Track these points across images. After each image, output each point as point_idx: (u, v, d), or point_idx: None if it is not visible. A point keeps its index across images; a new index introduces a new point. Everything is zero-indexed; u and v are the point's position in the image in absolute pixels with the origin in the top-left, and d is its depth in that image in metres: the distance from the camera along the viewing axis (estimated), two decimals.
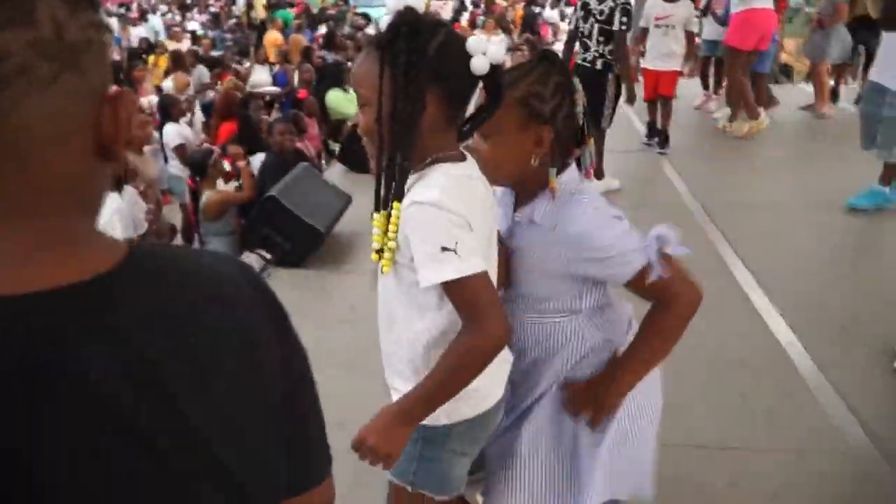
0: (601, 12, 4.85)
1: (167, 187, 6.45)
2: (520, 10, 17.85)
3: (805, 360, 3.18)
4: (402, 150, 1.29)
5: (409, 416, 1.36)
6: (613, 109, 5.16)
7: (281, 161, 5.00)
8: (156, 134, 6.66)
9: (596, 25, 4.88)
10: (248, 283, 0.70)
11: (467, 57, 1.30)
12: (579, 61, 5.03)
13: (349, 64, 7.89)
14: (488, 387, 1.46)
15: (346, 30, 14.08)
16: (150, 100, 8.37)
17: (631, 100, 5.33)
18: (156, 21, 17.35)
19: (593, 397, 1.60)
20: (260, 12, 18.06)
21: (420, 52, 1.25)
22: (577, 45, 5.12)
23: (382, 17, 1.31)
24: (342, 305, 3.69)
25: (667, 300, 1.52)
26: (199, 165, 5.21)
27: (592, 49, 4.94)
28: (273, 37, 13.90)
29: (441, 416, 1.42)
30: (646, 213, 5.00)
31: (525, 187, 1.54)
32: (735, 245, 4.36)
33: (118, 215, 3.96)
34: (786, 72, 10.50)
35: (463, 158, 1.38)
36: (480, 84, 1.35)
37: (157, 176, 5.54)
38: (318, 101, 7.30)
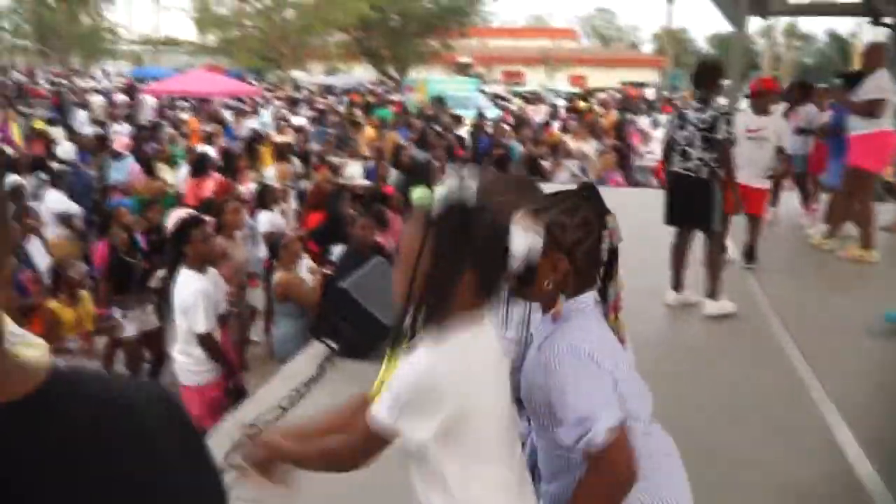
0: (702, 121, 4.85)
1: (256, 271, 6.77)
2: (612, 116, 18.15)
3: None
4: (430, 313, 1.41)
5: None
6: (725, 216, 5.10)
7: (360, 254, 5.19)
8: (250, 220, 7.07)
9: (698, 134, 4.86)
10: (162, 419, 0.72)
11: (507, 243, 1.44)
12: (679, 169, 4.99)
13: (436, 163, 8.18)
14: None
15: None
16: (248, 187, 8.90)
17: (737, 210, 5.24)
18: (266, 115, 18.64)
19: None
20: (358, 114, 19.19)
21: (465, 235, 1.40)
22: (675, 155, 5.04)
23: (438, 194, 1.45)
24: None
25: (598, 466, 1.48)
26: (274, 247, 5.49)
27: (695, 156, 4.89)
28: (368, 133, 14.68)
29: None
30: (724, 327, 4.88)
31: (542, 307, 1.64)
32: (815, 367, 4.17)
33: (203, 295, 4.13)
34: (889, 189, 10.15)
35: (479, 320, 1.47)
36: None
37: (244, 259, 5.83)
38: (403, 197, 7.58)
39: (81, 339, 4.72)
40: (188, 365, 4.13)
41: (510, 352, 1.82)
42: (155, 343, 5.41)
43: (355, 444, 1.48)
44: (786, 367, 4.24)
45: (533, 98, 25.11)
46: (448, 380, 1.35)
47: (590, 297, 1.59)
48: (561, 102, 25.64)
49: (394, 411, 1.37)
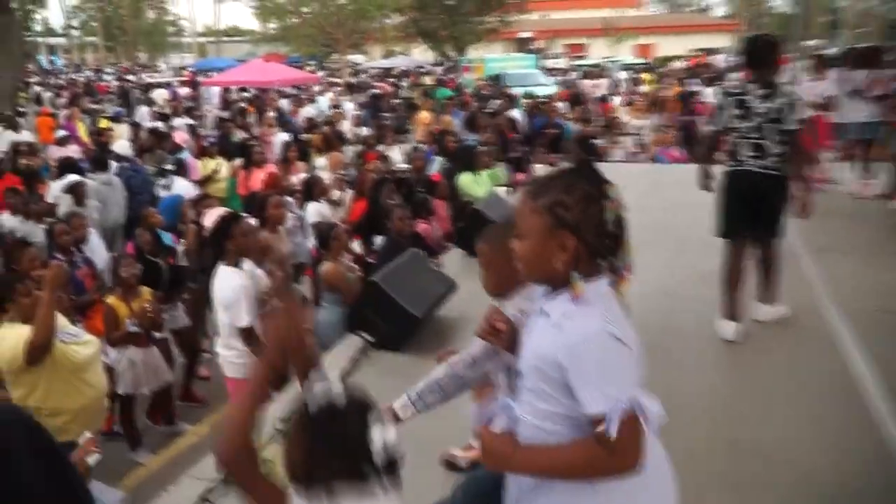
0: (772, 111, 4.27)
1: (305, 261, 6.92)
2: (676, 88, 17.64)
3: None
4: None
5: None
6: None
7: (398, 245, 5.26)
8: (298, 211, 7.24)
9: (769, 126, 4.28)
10: (20, 441, 0.77)
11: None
12: (752, 168, 4.34)
13: (481, 148, 8.16)
14: None
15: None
16: (299, 177, 9.07)
17: (808, 213, 4.44)
18: (323, 102, 18.87)
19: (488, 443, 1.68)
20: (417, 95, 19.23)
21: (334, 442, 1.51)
22: (742, 149, 4.38)
23: None
24: None
25: (606, 448, 1.51)
26: (323, 238, 5.61)
27: (773, 151, 4.29)
28: (422, 116, 14.69)
29: None
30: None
31: (553, 286, 1.65)
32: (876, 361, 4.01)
33: (244, 291, 4.25)
34: None
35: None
36: None
37: (289, 252, 5.98)
38: (449, 184, 7.60)
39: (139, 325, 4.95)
40: (232, 357, 4.28)
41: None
42: (186, 341, 5.61)
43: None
44: (837, 358, 4.10)
45: (593, 72, 24.59)
46: None
47: (605, 280, 1.60)
48: (623, 75, 25.13)
49: None
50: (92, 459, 2.93)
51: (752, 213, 4.37)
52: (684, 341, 4.54)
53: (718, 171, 4.60)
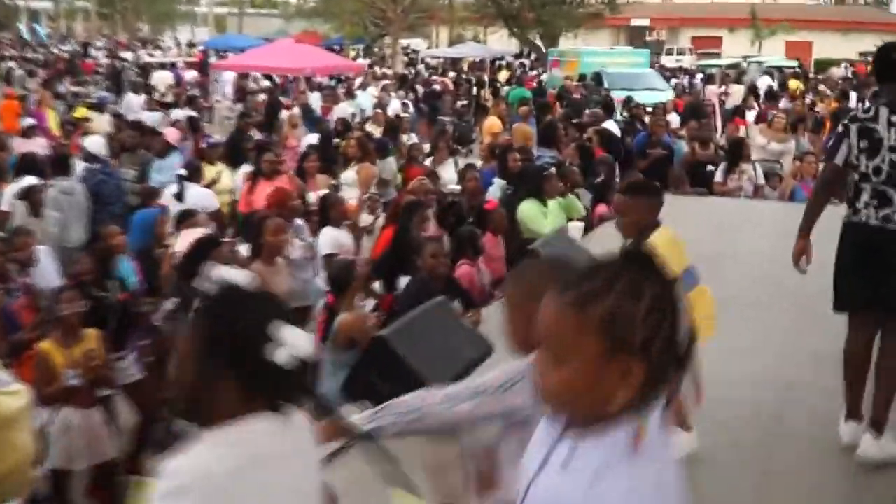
0: None
1: (311, 303, 7.03)
2: (833, 103, 17.45)
3: None
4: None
5: None
6: None
7: (426, 289, 5.34)
8: (310, 239, 7.41)
9: None
10: None
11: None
12: (872, 221, 4.21)
13: (552, 170, 8.24)
14: None
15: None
16: (319, 194, 9.27)
17: None
18: (365, 98, 19.25)
19: None
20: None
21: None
22: (862, 194, 4.23)
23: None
24: None
25: None
26: (336, 280, 5.71)
27: None
28: (490, 123, 14.87)
29: None
30: None
31: (587, 422, 1.48)
32: None
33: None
34: None
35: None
36: None
37: (286, 291, 6.12)
38: (508, 213, 7.68)
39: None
40: None
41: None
42: (140, 399, 5.45)
43: None
44: None
45: (725, 75, 24.53)
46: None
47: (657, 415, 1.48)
48: (766, 81, 24.95)
49: None
50: None
51: (876, 282, 4.20)
52: (797, 445, 4.49)
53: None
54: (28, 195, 7.66)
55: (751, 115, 16.22)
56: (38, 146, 10.80)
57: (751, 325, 6.08)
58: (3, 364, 4.60)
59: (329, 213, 7.67)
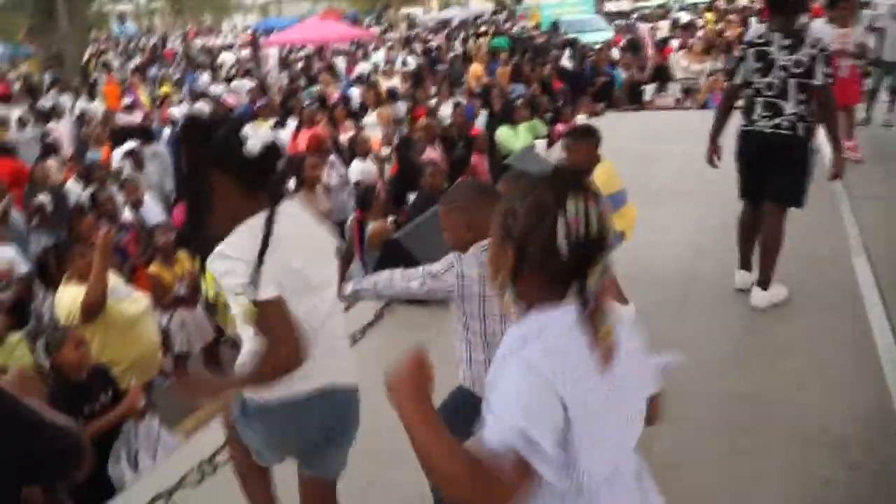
0: (797, 63, 3.91)
1: (346, 218, 7.14)
2: (737, 28, 16.94)
3: None
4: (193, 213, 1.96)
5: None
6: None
7: (429, 201, 5.40)
8: (343, 170, 7.45)
9: (791, 81, 3.95)
10: None
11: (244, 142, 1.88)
12: (763, 128, 4.07)
13: (519, 102, 8.15)
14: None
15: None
16: (348, 136, 9.26)
17: (839, 174, 4.15)
18: (378, 56, 18.93)
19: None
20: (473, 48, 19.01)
21: (203, 141, 1.93)
22: (755, 107, 4.11)
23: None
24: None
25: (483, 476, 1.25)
26: (362, 199, 5.81)
27: (788, 111, 3.98)
28: (475, 69, 14.57)
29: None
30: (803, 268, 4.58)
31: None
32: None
33: None
34: None
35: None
36: None
37: (325, 211, 6.21)
38: (489, 138, 7.67)
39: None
40: None
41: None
42: None
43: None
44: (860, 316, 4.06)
45: (655, 15, 23.77)
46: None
47: (562, 313, 1.33)
48: (684, 15, 24.16)
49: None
50: (141, 405, 3.31)
51: (763, 177, 4.13)
52: (706, 291, 4.60)
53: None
54: (131, 155, 7.71)
55: (674, 44, 15.82)
56: (135, 119, 10.80)
57: (676, 208, 6.13)
58: (124, 281, 4.76)
59: (356, 149, 7.68)
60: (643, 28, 19.89)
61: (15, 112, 10.96)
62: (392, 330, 4.27)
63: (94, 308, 3.91)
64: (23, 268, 5.33)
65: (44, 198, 6.26)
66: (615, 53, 14.43)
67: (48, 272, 4.33)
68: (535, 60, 13.18)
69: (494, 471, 1.25)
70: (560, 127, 9.02)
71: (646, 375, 1.46)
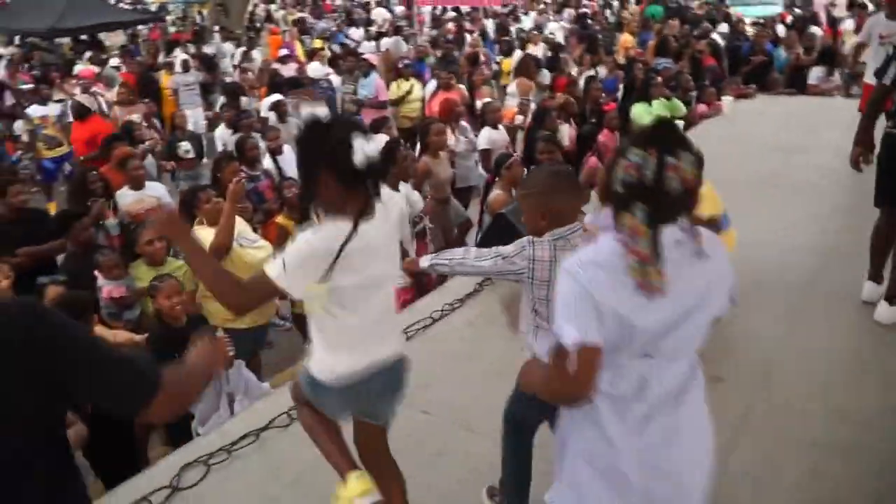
0: None
1: (473, 184, 7.23)
2: None
3: None
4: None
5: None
6: None
7: None
8: (472, 136, 7.50)
9: None
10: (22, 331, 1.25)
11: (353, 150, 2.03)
12: None
13: (658, 79, 7.82)
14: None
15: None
16: (483, 102, 9.26)
17: None
18: (527, 21, 18.64)
19: None
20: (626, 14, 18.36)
21: (317, 145, 2.09)
22: None
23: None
24: None
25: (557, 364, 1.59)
26: (497, 167, 5.84)
27: None
28: (625, 39, 14.13)
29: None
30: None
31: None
32: None
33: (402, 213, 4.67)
34: None
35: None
36: None
37: (446, 177, 6.31)
38: (623, 115, 7.44)
39: None
40: None
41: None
42: None
43: (246, 283, 2.07)
44: None
45: None
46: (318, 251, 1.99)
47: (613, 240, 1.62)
48: None
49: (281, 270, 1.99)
50: (230, 352, 3.59)
51: None
52: (827, 299, 4.32)
53: None
54: (276, 107, 8.13)
55: (849, 24, 14.49)
56: (290, 70, 11.31)
57: (805, 205, 5.75)
58: (253, 228, 5.10)
59: (486, 116, 7.69)
60: (818, 4, 18.36)
61: (180, 56, 11.78)
62: (488, 300, 4.34)
63: (220, 251, 4.22)
64: (171, 205, 5.81)
65: (185, 145, 6.78)
66: (780, 30, 13.47)
67: (190, 212, 4.68)
68: (690, 34, 12.55)
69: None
70: (702, 108, 8.59)
71: (714, 295, 1.67)
